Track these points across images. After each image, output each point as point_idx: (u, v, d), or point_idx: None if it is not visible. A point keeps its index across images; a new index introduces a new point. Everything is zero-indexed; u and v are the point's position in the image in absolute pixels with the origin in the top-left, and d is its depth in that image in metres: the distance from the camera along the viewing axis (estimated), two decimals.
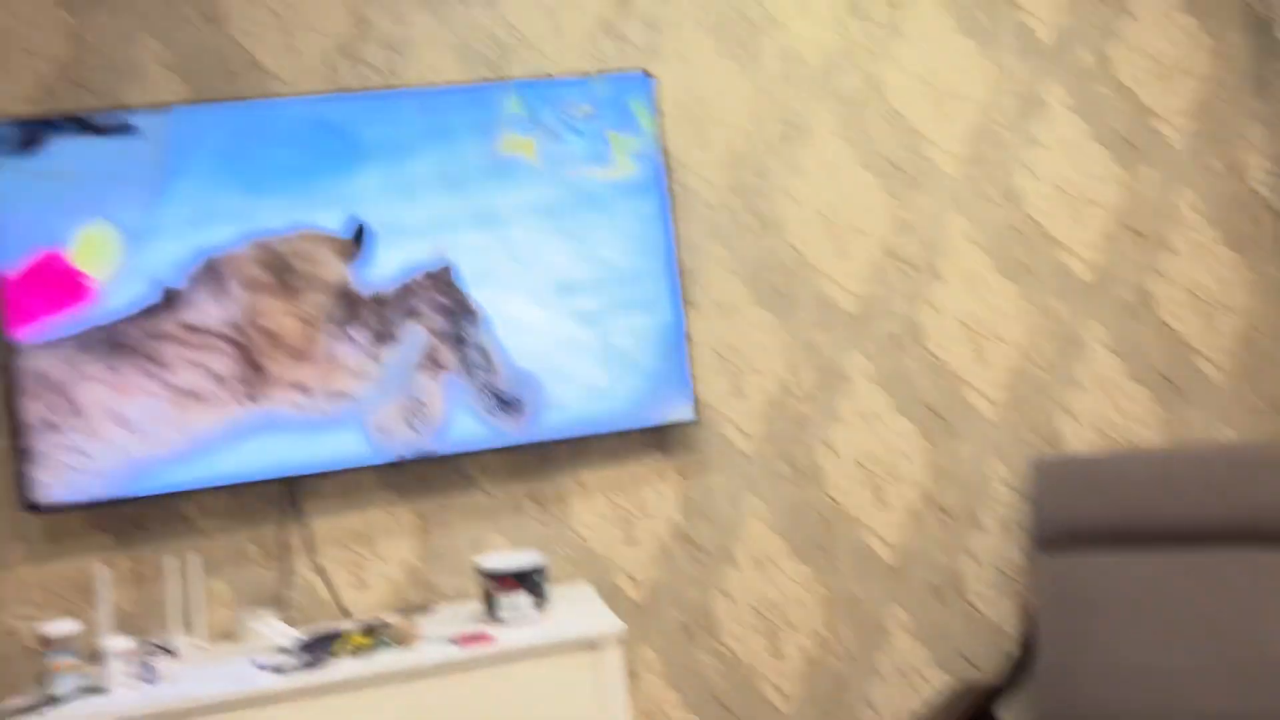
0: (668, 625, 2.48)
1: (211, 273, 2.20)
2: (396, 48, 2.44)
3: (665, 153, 2.43)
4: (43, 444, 2.13)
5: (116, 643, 1.95)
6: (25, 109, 2.29)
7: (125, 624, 2.28)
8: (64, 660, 1.92)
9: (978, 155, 2.68)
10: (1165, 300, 2.77)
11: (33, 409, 2.13)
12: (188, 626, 2.28)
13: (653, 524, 2.49)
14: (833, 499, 2.57)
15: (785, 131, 2.59)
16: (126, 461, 2.16)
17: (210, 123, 2.22)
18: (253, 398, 2.21)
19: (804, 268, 2.59)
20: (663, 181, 2.41)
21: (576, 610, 2.13)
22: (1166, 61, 2.81)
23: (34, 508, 2.14)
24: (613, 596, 2.46)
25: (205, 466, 2.20)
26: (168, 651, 2.15)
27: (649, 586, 2.48)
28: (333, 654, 1.96)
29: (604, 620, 2.03)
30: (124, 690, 1.94)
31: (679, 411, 2.41)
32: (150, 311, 2.18)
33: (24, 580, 2.25)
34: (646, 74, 2.42)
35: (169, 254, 2.19)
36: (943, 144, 2.66)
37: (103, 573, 2.10)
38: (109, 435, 2.16)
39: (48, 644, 1.93)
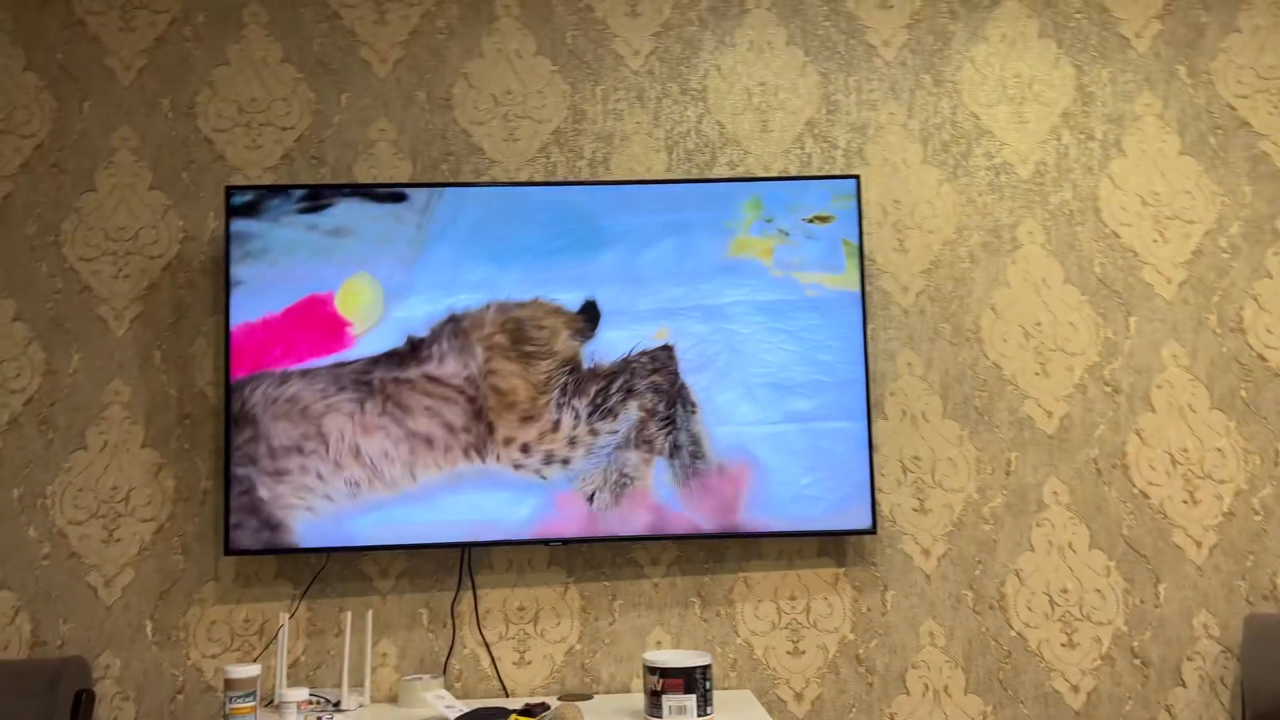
0: None
1: (455, 328, 2.32)
2: (607, 139, 2.53)
3: (863, 255, 2.40)
4: (288, 463, 2.27)
5: (292, 693, 2.00)
6: (268, 178, 2.48)
7: (295, 672, 2.35)
8: (244, 704, 1.98)
9: (1198, 281, 2.52)
10: None
11: (283, 430, 2.28)
12: (356, 683, 2.32)
13: (821, 636, 2.39)
14: (1017, 633, 2.41)
15: (989, 242, 2.52)
16: (354, 494, 2.28)
17: (471, 201, 2.37)
18: (479, 451, 2.29)
19: (1001, 382, 2.48)
20: (864, 285, 2.38)
21: (739, 719, 2.05)
22: None
23: (232, 551, 2.25)
24: (773, 708, 2.37)
25: (424, 511, 2.28)
26: (335, 706, 2.19)
27: (812, 702, 2.37)
28: None
29: None
30: None
31: (857, 520, 2.33)
32: (395, 356, 2.31)
33: (213, 619, 2.35)
34: (856, 178, 2.41)
35: (421, 311, 2.33)
36: (1160, 266, 2.52)
37: (285, 622, 2.18)
38: (347, 466, 2.28)
39: (230, 686, 2.00)
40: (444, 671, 2.36)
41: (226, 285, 2.30)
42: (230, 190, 2.33)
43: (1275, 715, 2.23)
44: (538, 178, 2.51)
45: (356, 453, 2.29)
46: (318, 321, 2.32)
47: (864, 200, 2.52)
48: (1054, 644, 2.41)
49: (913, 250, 2.51)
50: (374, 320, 2.33)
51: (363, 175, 2.49)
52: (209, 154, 2.50)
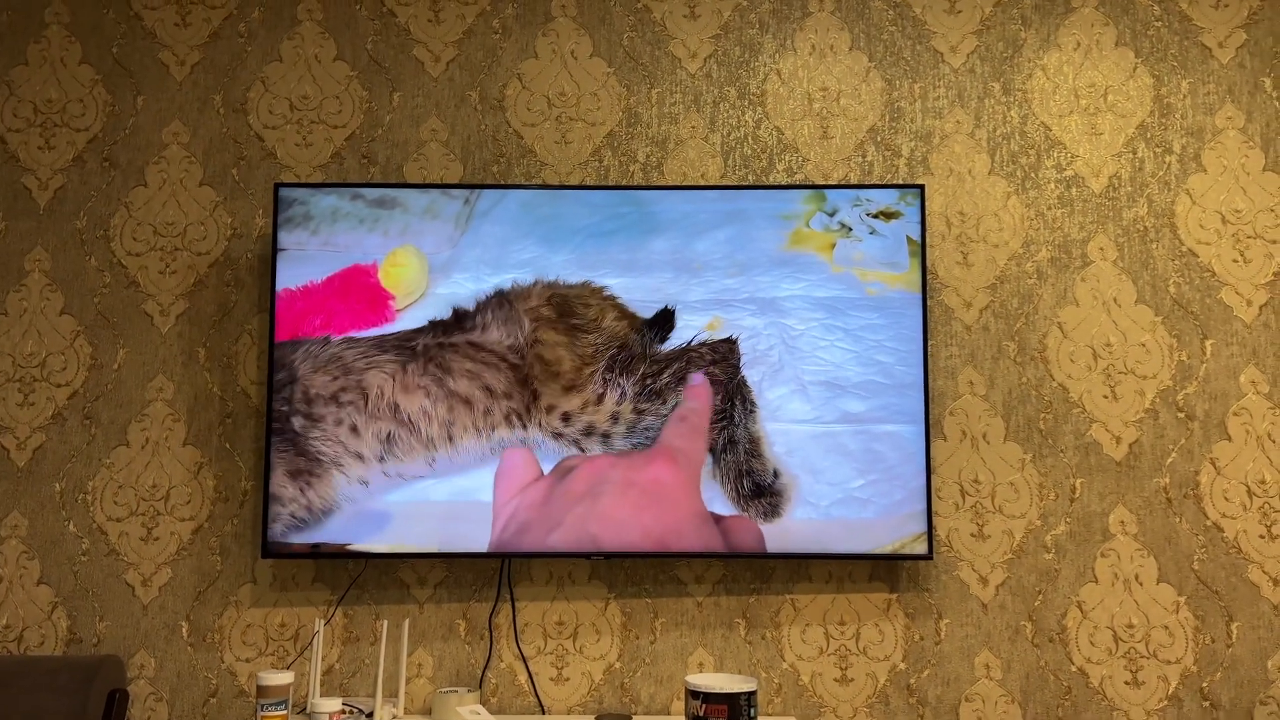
0: None
1: (500, 300, 2.27)
2: (661, 143, 2.46)
3: (925, 268, 2.30)
4: (323, 411, 2.24)
5: (325, 703, 1.95)
6: (318, 176, 2.45)
7: (329, 680, 2.30)
8: (276, 713, 1.93)
9: None
10: None
11: (322, 382, 2.24)
12: (390, 693, 2.27)
13: (871, 664, 2.30)
14: (1078, 668, 2.29)
15: (1058, 258, 2.41)
16: (387, 452, 2.23)
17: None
18: (521, 419, 2.24)
19: (1067, 405, 2.37)
20: (925, 299, 2.29)
21: None
22: None
23: (270, 553, 2.21)
24: None
25: (460, 483, 2.23)
26: (368, 716, 2.14)
27: None
28: None
29: None
30: None
31: (912, 544, 2.23)
32: (440, 325, 2.27)
33: (248, 623, 2.32)
34: (920, 187, 2.32)
35: (465, 289, 2.28)
36: (1239, 288, 2.40)
37: (320, 628, 2.13)
38: (383, 419, 2.23)
39: (263, 693, 1.96)
40: (480, 685, 2.30)
41: (272, 288, 2.27)
42: (279, 187, 2.30)
43: None
44: (589, 181, 2.45)
45: (395, 409, 2.23)
46: (359, 293, 2.27)
47: (927, 211, 2.42)
48: (1117, 681, 2.29)
49: (977, 264, 2.41)
50: (417, 295, 2.27)
51: (413, 175, 2.45)
52: (259, 151, 2.47)
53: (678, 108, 2.48)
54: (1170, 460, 2.35)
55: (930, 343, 2.38)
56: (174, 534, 2.34)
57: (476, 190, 2.31)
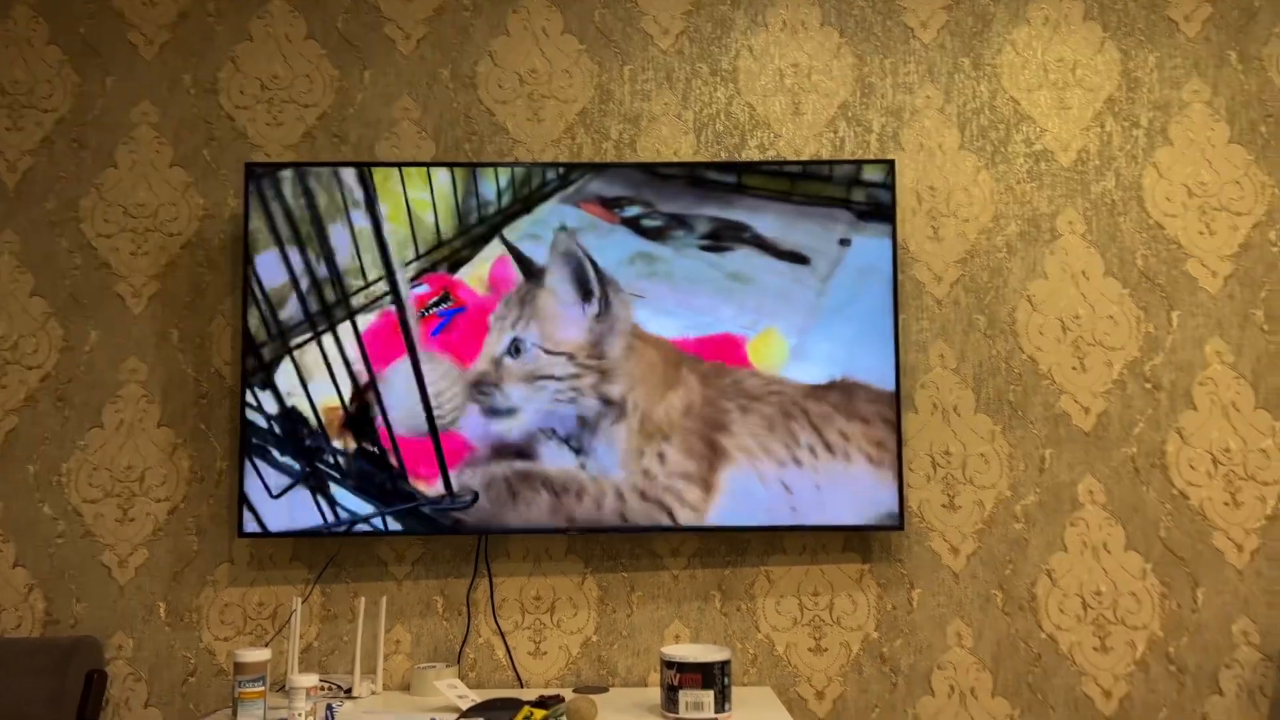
0: None
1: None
2: (634, 120, 2.46)
3: (895, 242, 2.32)
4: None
5: (302, 679, 1.97)
6: (288, 156, 2.44)
7: (308, 657, 2.31)
8: (253, 689, 1.95)
9: (1245, 275, 2.42)
10: None
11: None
12: (368, 670, 2.28)
13: (844, 634, 2.33)
14: (1048, 635, 2.33)
15: (1027, 231, 2.44)
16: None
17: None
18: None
19: (1036, 377, 2.40)
20: (896, 273, 2.31)
21: (758, 717, 1.99)
22: None
23: (246, 533, 2.22)
24: (794, 706, 2.31)
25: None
26: (346, 692, 2.16)
27: (833, 701, 2.31)
28: None
29: None
30: None
31: (884, 516, 2.26)
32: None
33: (226, 602, 2.33)
34: (891, 162, 2.33)
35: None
36: (1205, 260, 2.43)
37: (298, 606, 2.14)
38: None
39: (240, 670, 1.97)
40: (458, 660, 2.31)
41: (246, 255, 2.27)
42: (250, 167, 2.29)
43: None
44: (562, 159, 2.45)
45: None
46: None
47: (898, 186, 2.44)
48: (1086, 647, 2.33)
49: (947, 239, 2.43)
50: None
51: (385, 154, 2.45)
52: (230, 131, 2.46)
53: (650, 84, 2.48)
54: (1138, 430, 2.39)
55: (901, 316, 2.40)
56: (150, 515, 2.34)
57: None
